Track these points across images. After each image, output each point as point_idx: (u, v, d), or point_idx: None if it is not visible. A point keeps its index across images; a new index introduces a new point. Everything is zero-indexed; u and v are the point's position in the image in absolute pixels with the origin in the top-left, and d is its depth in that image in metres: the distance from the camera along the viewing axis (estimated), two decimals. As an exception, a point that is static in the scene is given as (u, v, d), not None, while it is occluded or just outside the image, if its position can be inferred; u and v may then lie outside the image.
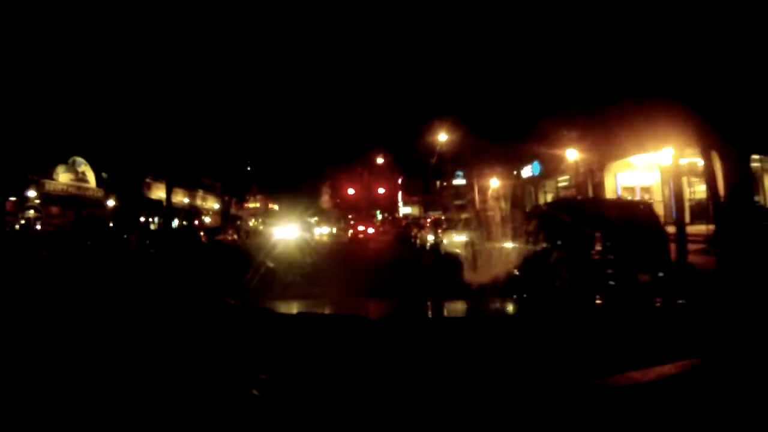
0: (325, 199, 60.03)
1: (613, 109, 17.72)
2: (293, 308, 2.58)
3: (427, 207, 48.89)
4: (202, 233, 26.33)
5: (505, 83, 25.87)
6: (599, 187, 21.75)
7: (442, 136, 37.37)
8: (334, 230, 44.40)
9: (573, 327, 1.81)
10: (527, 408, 1.31)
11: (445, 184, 42.95)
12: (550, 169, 25.21)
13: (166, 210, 26.87)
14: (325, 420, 1.28)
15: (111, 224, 23.41)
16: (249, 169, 56.72)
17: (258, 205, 60.76)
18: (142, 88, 23.39)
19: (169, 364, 1.52)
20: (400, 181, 63.05)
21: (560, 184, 26.60)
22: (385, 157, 62.10)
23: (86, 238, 20.68)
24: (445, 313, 2.73)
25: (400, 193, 64.56)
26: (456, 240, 15.48)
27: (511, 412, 1.30)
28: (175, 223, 35.24)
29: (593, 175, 22.53)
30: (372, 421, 1.29)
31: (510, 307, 2.92)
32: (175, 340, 1.68)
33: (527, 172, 28.17)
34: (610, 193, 21.12)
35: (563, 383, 1.40)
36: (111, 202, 24.71)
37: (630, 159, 21.08)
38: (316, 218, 53.35)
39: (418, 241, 22.15)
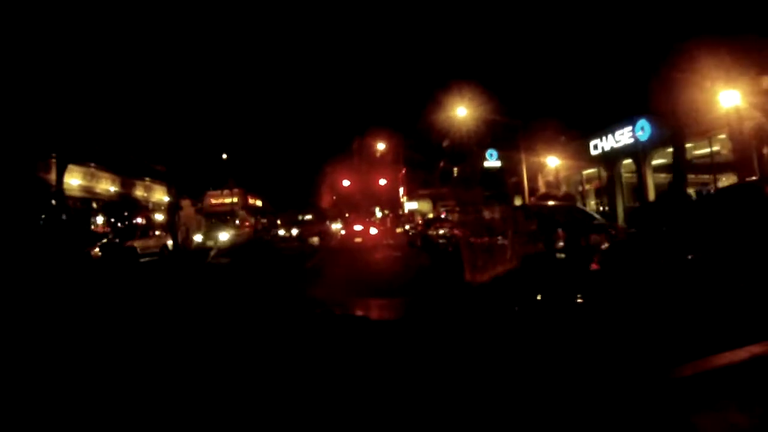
0: (321, 194, 52.56)
1: None
2: None
3: (437, 201, 41.10)
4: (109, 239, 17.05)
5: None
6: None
7: (461, 110, 28.73)
8: (294, 232, 35.34)
9: None
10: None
11: (467, 170, 33.30)
12: (673, 131, 15.39)
13: (56, 199, 17.10)
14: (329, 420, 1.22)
15: None
16: (225, 156, 49.00)
17: (235, 200, 50.72)
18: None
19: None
20: (403, 171, 53.85)
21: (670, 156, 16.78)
22: (386, 143, 53.64)
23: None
24: None
25: (402, 188, 55.44)
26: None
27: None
28: (101, 220, 25.65)
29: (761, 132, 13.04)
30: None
31: None
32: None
33: (620, 140, 18.37)
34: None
35: None
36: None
37: None
38: (309, 216, 47.12)
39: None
